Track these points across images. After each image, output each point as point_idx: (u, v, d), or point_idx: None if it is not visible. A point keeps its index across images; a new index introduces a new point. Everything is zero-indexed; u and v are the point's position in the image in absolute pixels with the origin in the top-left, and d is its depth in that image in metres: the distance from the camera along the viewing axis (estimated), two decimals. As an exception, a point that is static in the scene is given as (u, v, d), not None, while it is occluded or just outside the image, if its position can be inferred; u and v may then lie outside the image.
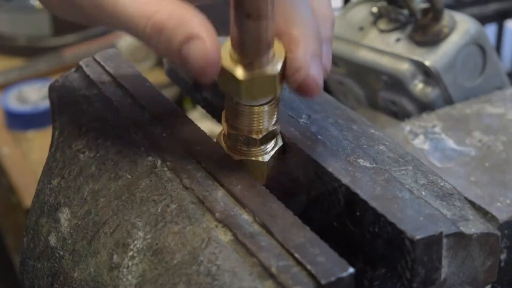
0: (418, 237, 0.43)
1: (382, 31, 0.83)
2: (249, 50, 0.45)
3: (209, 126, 1.28)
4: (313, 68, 0.47)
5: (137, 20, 0.47)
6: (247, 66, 0.46)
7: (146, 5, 0.47)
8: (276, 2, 0.44)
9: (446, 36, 0.78)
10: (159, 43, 0.46)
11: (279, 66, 0.46)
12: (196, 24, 0.46)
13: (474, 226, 0.47)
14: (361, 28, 0.85)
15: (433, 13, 0.78)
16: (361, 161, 0.50)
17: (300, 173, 0.51)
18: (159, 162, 0.50)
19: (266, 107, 0.49)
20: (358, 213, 0.46)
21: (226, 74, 0.46)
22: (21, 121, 1.53)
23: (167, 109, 0.55)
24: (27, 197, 1.29)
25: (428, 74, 0.78)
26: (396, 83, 0.80)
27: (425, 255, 0.43)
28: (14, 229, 1.43)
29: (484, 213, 0.58)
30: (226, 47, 0.47)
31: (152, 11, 0.46)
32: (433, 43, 0.78)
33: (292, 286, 0.40)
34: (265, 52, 0.45)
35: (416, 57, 0.79)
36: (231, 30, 0.45)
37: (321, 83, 0.48)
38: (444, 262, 0.45)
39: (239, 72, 0.46)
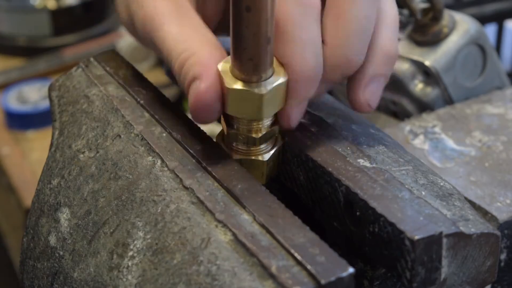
0: (418, 237, 0.43)
1: (382, 31, 0.83)
2: (249, 45, 0.45)
3: (209, 126, 1.28)
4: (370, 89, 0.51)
5: (170, 57, 0.49)
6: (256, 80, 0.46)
7: (177, 42, 0.49)
8: None
9: (446, 36, 0.78)
10: (180, 82, 0.49)
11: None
12: (202, 64, 0.47)
13: (474, 226, 0.47)
14: (361, 28, 0.85)
15: (433, 13, 0.78)
16: (361, 161, 0.50)
17: (300, 173, 0.51)
18: (159, 162, 0.50)
19: None
20: (358, 213, 0.46)
21: (240, 95, 0.47)
22: (21, 121, 1.52)
23: (167, 109, 0.55)
24: (27, 197, 1.29)
25: (428, 74, 0.78)
26: (396, 83, 0.80)
27: (425, 255, 0.43)
28: (14, 229, 1.43)
29: (484, 213, 0.58)
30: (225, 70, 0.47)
31: (181, 49, 0.48)
32: (433, 43, 0.78)
33: (292, 286, 0.40)
34: (265, 48, 0.45)
35: (416, 57, 0.78)
36: (231, 25, 0.45)
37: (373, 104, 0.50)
38: (444, 262, 0.45)
39: (257, 89, 0.47)
